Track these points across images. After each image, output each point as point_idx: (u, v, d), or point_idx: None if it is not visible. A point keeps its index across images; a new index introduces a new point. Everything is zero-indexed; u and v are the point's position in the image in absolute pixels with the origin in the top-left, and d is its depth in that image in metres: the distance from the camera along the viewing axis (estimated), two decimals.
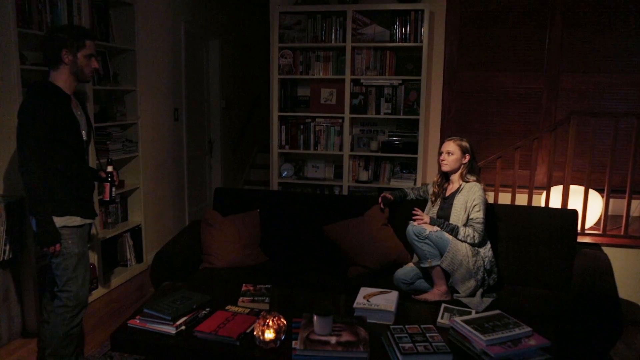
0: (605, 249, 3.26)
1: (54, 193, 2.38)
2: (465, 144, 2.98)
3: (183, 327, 2.18)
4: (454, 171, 3.00)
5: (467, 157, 2.97)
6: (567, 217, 3.13)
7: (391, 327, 2.11)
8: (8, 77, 2.93)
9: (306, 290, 2.84)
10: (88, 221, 2.55)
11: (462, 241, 2.81)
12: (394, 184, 4.43)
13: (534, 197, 3.95)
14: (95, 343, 3.10)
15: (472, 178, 2.96)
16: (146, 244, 4.42)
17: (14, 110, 2.95)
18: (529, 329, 2.02)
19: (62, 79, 2.42)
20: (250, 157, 7.24)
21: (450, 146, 2.99)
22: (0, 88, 2.95)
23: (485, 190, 2.93)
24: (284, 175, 4.70)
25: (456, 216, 2.90)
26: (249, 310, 2.32)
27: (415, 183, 4.37)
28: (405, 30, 4.27)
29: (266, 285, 2.61)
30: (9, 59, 2.92)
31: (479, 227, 2.84)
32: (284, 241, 3.47)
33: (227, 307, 2.34)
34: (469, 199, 2.88)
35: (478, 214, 2.85)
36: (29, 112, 2.31)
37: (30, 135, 2.29)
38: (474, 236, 2.81)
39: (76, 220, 2.45)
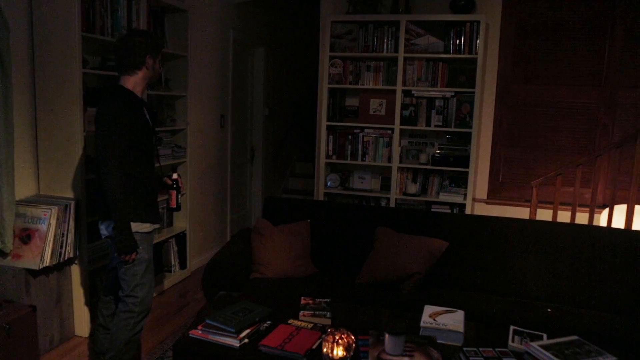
0: None
1: (129, 198, 2.35)
2: None
3: (246, 340, 2.12)
4: None
5: None
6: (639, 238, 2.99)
7: (464, 349, 2.02)
8: (71, 80, 2.95)
9: (359, 303, 2.76)
10: (155, 226, 2.52)
11: None
12: (443, 197, 4.33)
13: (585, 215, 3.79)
14: (144, 349, 3.08)
15: None
16: (190, 250, 4.40)
17: (76, 113, 2.98)
18: (613, 358, 1.91)
19: (135, 83, 2.42)
20: (289, 166, 7.21)
21: None
22: (64, 92, 2.97)
23: None
24: (328, 185, 4.64)
25: None
26: (312, 325, 2.25)
27: (464, 198, 4.26)
28: (460, 41, 4.18)
29: (325, 299, 2.54)
30: (73, 62, 2.93)
31: None
32: (333, 252, 3.39)
33: (289, 321, 2.28)
34: None
35: None
36: (108, 116, 2.29)
37: (110, 140, 2.27)
38: None
39: (146, 227, 2.43)
